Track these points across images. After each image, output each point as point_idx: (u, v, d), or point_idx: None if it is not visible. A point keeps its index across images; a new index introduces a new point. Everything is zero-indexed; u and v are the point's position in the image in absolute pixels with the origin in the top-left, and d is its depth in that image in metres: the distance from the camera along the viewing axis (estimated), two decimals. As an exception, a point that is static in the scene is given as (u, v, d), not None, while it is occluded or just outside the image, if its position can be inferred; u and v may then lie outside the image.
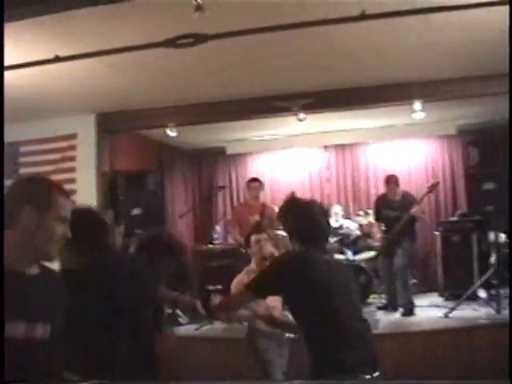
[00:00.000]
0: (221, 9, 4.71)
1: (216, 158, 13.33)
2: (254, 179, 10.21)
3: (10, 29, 4.87)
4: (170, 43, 4.29)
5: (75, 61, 5.68)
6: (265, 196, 10.50)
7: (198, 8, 4.41)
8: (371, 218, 10.40)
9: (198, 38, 4.20)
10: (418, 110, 8.70)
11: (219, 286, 9.34)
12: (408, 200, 9.35)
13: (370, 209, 10.73)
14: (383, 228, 9.51)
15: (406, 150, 12.48)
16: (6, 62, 5.66)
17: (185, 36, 4.24)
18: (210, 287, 9.58)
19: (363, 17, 4.50)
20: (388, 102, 8.53)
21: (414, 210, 9.10)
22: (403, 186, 10.31)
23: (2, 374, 2.17)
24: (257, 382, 3.61)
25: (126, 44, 5.26)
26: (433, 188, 9.74)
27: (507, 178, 7.92)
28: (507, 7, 4.13)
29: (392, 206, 9.40)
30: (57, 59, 5.02)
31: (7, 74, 6.09)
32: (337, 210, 11.12)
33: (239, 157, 13.21)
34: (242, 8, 5.00)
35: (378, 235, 9.80)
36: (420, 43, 6.39)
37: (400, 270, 9.10)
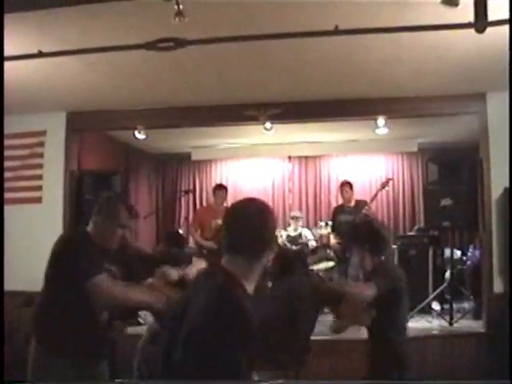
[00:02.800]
0: (199, 16, 4.87)
1: (181, 163, 13.48)
2: (221, 186, 10.35)
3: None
4: (151, 46, 4.43)
5: (49, 58, 5.74)
6: (227, 202, 10.63)
7: (178, 14, 4.55)
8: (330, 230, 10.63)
9: (178, 42, 4.34)
10: (381, 126, 8.91)
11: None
12: (361, 205, 9.68)
13: (330, 220, 10.95)
14: (338, 237, 9.76)
15: (367, 165, 12.76)
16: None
17: (165, 40, 4.38)
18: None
19: (336, 32, 4.67)
20: (353, 116, 8.74)
21: (366, 208, 9.42)
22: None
23: (2, 374, 2.18)
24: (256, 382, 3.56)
25: (104, 44, 5.37)
26: (385, 184, 10.10)
27: (464, 195, 8.19)
28: (472, 30, 4.32)
29: (347, 211, 9.74)
30: (40, 54, 5.10)
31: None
32: (297, 214, 11.35)
33: (204, 163, 13.39)
34: (220, 17, 5.17)
35: (334, 242, 9.97)
36: (388, 60, 6.57)
37: (354, 280, 9.32)
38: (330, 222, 10.70)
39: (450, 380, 7.27)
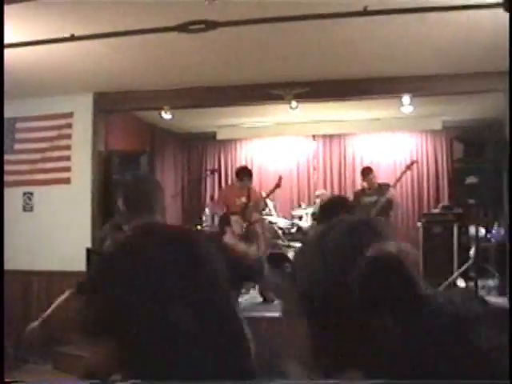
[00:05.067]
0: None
1: (206, 142, 13.55)
2: (245, 170, 10.16)
3: (21, 7, 5.07)
4: (183, 28, 4.50)
5: (77, 41, 5.81)
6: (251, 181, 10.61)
7: (208, -4, 4.61)
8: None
9: (209, 25, 4.41)
10: (406, 104, 8.93)
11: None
12: (384, 188, 9.63)
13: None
14: None
15: (392, 143, 12.76)
16: (14, 39, 5.81)
17: (197, 22, 4.45)
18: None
19: (365, 13, 4.71)
20: (378, 94, 8.74)
21: (390, 192, 9.40)
22: (387, 178, 10.66)
23: (2, 374, 2.21)
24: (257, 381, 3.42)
25: (131, 27, 5.43)
26: (410, 166, 10.05)
27: (489, 172, 8.20)
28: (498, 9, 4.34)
29: (369, 194, 9.71)
30: (73, 38, 5.18)
31: (11, 51, 6.23)
32: (322, 192, 11.42)
33: (229, 142, 13.45)
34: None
35: None
36: (414, 39, 6.60)
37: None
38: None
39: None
